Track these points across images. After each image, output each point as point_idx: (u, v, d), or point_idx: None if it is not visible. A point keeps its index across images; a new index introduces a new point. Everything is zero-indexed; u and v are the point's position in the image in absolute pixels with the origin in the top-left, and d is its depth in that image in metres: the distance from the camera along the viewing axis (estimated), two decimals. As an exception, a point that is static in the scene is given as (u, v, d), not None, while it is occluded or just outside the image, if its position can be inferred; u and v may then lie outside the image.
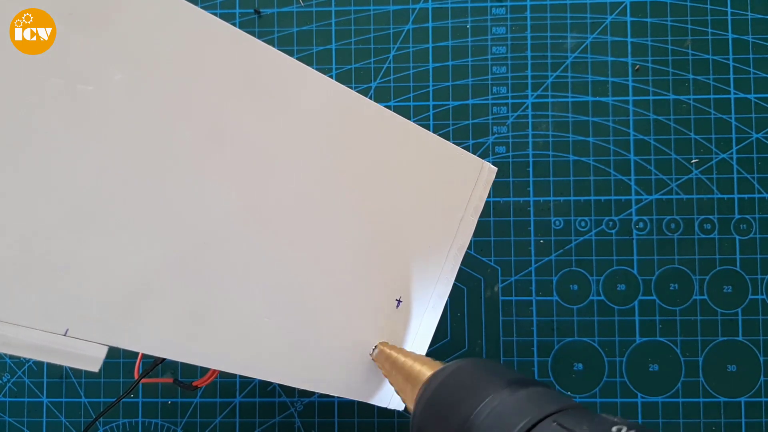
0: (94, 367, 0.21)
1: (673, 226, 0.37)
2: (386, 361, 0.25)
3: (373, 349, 0.27)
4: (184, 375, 0.37)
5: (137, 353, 0.31)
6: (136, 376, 0.29)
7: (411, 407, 0.22)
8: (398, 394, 0.24)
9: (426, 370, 0.22)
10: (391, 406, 0.28)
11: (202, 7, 0.23)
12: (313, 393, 0.37)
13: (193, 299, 0.23)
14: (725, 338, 0.36)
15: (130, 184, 0.22)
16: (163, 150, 0.22)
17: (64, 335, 0.21)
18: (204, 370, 0.32)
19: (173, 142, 0.22)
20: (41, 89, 0.20)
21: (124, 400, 0.37)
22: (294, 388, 0.37)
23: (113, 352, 0.37)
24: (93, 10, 0.21)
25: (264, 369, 0.24)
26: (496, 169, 0.29)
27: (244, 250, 0.24)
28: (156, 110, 0.22)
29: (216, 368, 0.24)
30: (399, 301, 0.27)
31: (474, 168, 0.29)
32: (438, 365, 0.22)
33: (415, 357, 0.24)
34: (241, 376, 0.37)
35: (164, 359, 0.24)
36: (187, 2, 0.22)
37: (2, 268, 0.20)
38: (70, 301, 0.21)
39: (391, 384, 0.25)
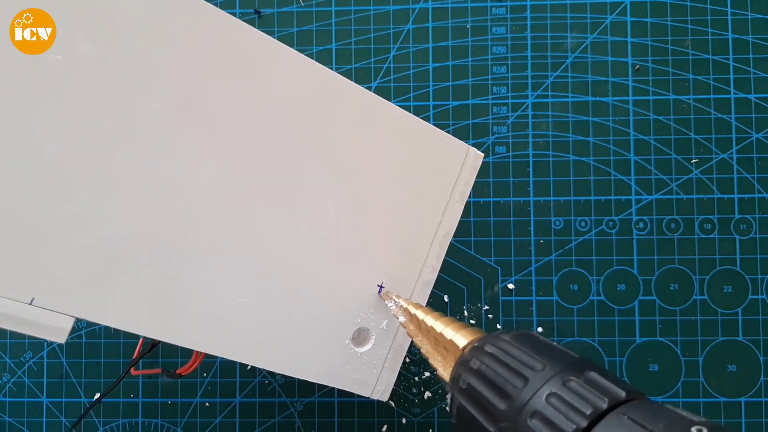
0: (60, 338, 0.21)
1: (673, 226, 0.37)
2: (414, 321, 0.23)
3: (387, 298, 0.26)
4: (165, 365, 0.37)
5: (137, 354, 0.31)
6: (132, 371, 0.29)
7: (444, 376, 0.20)
8: (427, 358, 0.22)
9: (463, 338, 0.20)
10: (374, 397, 0.27)
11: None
12: (314, 393, 0.37)
13: (164, 275, 0.23)
14: (725, 338, 0.36)
15: (100, 156, 0.21)
16: (134, 123, 0.22)
17: (30, 304, 0.20)
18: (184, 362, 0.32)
19: (145, 115, 0.22)
20: (8, 57, 0.20)
21: (123, 400, 0.37)
22: (294, 388, 0.37)
23: (113, 352, 0.37)
24: None
25: (239, 350, 0.24)
26: (482, 155, 0.29)
27: (219, 228, 0.23)
28: (126, 82, 0.22)
29: (188, 347, 0.23)
30: (381, 287, 0.27)
31: (459, 153, 0.28)
32: (477, 333, 0.20)
33: (448, 320, 0.22)
34: (241, 376, 0.37)
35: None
36: None
37: None
38: (36, 270, 0.20)
39: (417, 346, 0.23)
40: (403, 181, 0.27)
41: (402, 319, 0.25)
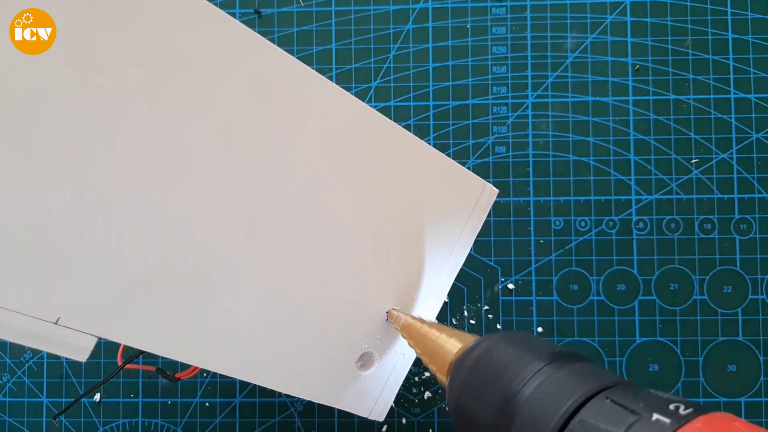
0: (82, 357, 0.21)
1: (673, 226, 0.37)
2: (411, 331, 0.24)
3: (392, 316, 0.26)
4: (164, 365, 0.37)
5: (120, 353, 0.31)
6: (119, 362, 0.29)
7: (443, 380, 0.21)
8: (427, 365, 0.23)
9: (456, 342, 0.21)
10: (372, 417, 0.28)
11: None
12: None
13: (187, 299, 0.23)
14: (725, 338, 0.36)
15: (134, 181, 0.22)
16: (173, 150, 0.22)
17: (55, 323, 0.21)
18: (185, 365, 0.32)
19: (184, 143, 0.22)
20: (55, 79, 0.20)
21: (123, 400, 0.37)
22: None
23: (113, 352, 0.37)
24: (115, 4, 0.21)
25: (250, 372, 0.24)
26: (497, 191, 0.29)
27: (240, 254, 0.24)
28: (169, 109, 0.22)
29: (203, 367, 0.24)
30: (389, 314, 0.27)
31: (476, 188, 0.29)
32: (469, 338, 0.21)
33: (442, 328, 0.23)
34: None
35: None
36: (209, 3, 0.22)
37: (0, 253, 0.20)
38: (64, 291, 0.21)
39: (418, 355, 0.24)
40: (419, 212, 0.27)
41: (404, 332, 0.26)
